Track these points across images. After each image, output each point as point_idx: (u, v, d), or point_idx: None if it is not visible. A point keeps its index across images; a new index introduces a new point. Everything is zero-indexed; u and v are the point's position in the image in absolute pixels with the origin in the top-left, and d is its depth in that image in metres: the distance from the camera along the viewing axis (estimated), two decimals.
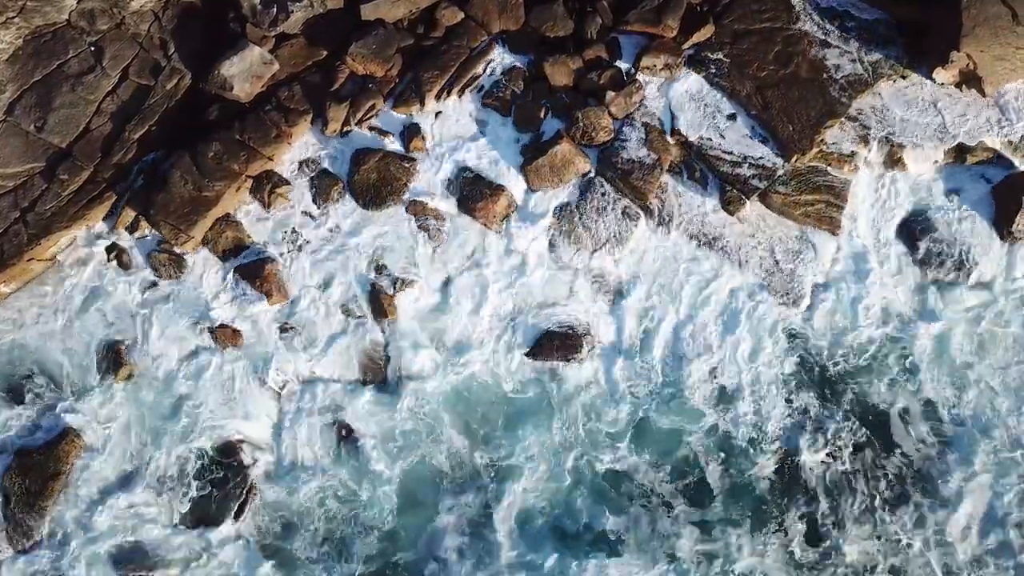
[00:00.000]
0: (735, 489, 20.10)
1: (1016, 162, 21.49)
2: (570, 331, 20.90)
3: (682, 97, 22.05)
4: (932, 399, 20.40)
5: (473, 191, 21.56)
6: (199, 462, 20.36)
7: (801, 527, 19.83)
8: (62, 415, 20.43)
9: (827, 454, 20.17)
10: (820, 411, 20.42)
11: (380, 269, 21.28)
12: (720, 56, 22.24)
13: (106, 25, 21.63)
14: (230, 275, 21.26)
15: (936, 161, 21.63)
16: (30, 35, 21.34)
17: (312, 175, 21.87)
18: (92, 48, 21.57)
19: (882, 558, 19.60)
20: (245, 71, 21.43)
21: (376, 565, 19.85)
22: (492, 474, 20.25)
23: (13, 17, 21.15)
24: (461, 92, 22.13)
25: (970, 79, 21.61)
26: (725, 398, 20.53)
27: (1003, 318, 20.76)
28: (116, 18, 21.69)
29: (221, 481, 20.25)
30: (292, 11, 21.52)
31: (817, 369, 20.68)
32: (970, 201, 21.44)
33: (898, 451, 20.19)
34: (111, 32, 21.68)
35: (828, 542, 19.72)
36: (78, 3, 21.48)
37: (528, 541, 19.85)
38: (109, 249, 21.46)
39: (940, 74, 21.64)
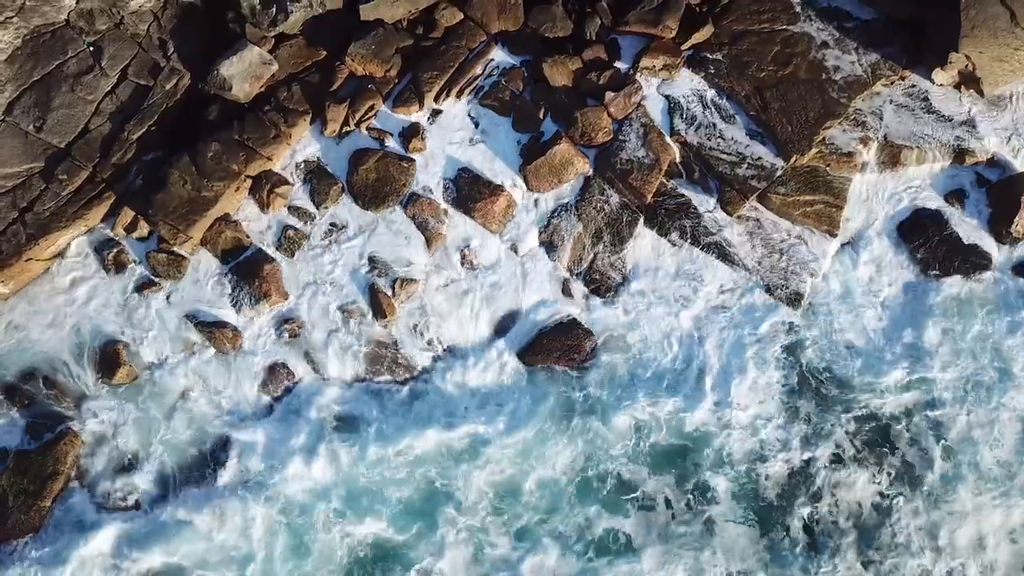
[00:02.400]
0: (735, 492, 20.18)
1: (1014, 163, 21.54)
2: (571, 333, 20.89)
3: (681, 98, 22.09)
4: (935, 397, 20.45)
5: (472, 191, 21.58)
6: (198, 461, 20.33)
7: (802, 531, 19.92)
8: (61, 415, 20.38)
9: (829, 456, 20.23)
10: (819, 413, 20.45)
11: (379, 269, 21.27)
12: (719, 57, 22.28)
13: (105, 25, 21.61)
14: (229, 275, 21.24)
15: (935, 162, 21.67)
16: (29, 35, 21.30)
17: (311, 175, 21.87)
18: (91, 48, 21.54)
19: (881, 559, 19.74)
20: (244, 71, 21.43)
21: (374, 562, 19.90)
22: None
23: (12, 17, 21.11)
24: (460, 93, 22.15)
25: (969, 80, 21.66)
26: (724, 401, 20.51)
27: (1001, 316, 20.84)
28: (115, 18, 21.67)
29: (218, 480, 20.24)
30: (291, 11, 21.53)
31: (815, 370, 20.72)
32: (968, 202, 21.51)
33: (898, 452, 20.24)
34: (110, 32, 21.66)
35: (830, 545, 19.81)
36: (77, 3, 21.46)
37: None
38: (108, 249, 21.41)
39: (939, 75, 21.70)
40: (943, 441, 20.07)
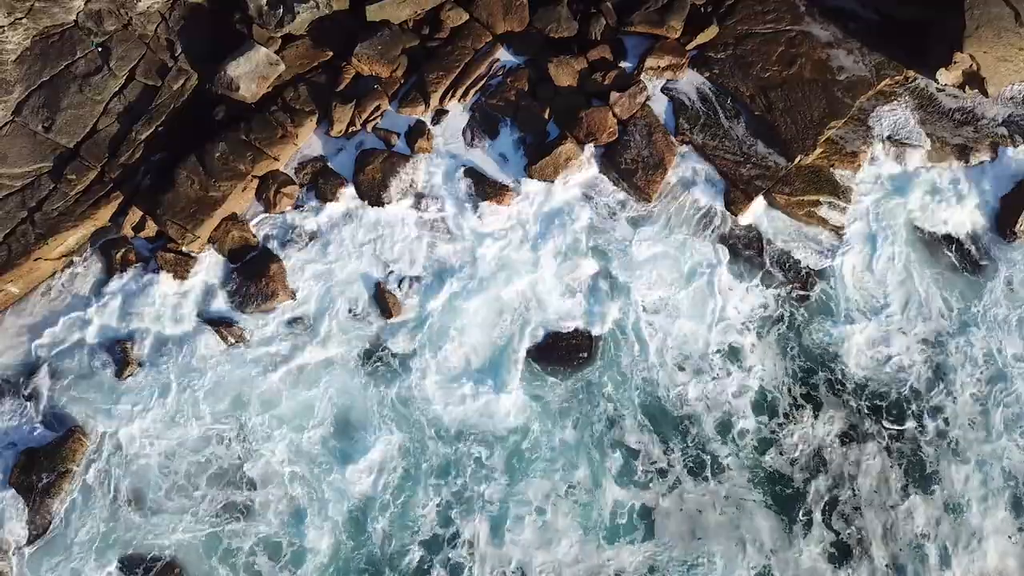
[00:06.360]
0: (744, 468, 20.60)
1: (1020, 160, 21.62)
2: (575, 332, 21.01)
3: (686, 98, 22.16)
4: (944, 392, 20.77)
5: (478, 191, 21.67)
6: (202, 460, 20.46)
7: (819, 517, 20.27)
8: (71, 413, 20.53)
9: (837, 438, 20.58)
10: (830, 399, 20.76)
11: (385, 268, 21.37)
12: (724, 57, 22.36)
13: (113, 26, 21.73)
14: (236, 274, 21.34)
15: (940, 161, 21.70)
16: (38, 36, 21.42)
17: (318, 175, 21.96)
18: (99, 49, 21.66)
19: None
20: (251, 72, 21.53)
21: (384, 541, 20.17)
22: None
23: (21, 18, 21.24)
24: (466, 93, 22.23)
25: (973, 80, 21.69)
26: (735, 392, 20.82)
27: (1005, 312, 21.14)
28: (123, 19, 21.78)
29: (223, 478, 20.38)
30: (298, 12, 21.63)
31: (818, 367, 20.90)
32: (974, 200, 21.56)
33: (907, 437, 20.55)
34: (118, 33, 21.77)
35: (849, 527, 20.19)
36: (86, 4, 21.58)
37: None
38: (115, 249, 21.51)
39: (943, 75, 21.72)
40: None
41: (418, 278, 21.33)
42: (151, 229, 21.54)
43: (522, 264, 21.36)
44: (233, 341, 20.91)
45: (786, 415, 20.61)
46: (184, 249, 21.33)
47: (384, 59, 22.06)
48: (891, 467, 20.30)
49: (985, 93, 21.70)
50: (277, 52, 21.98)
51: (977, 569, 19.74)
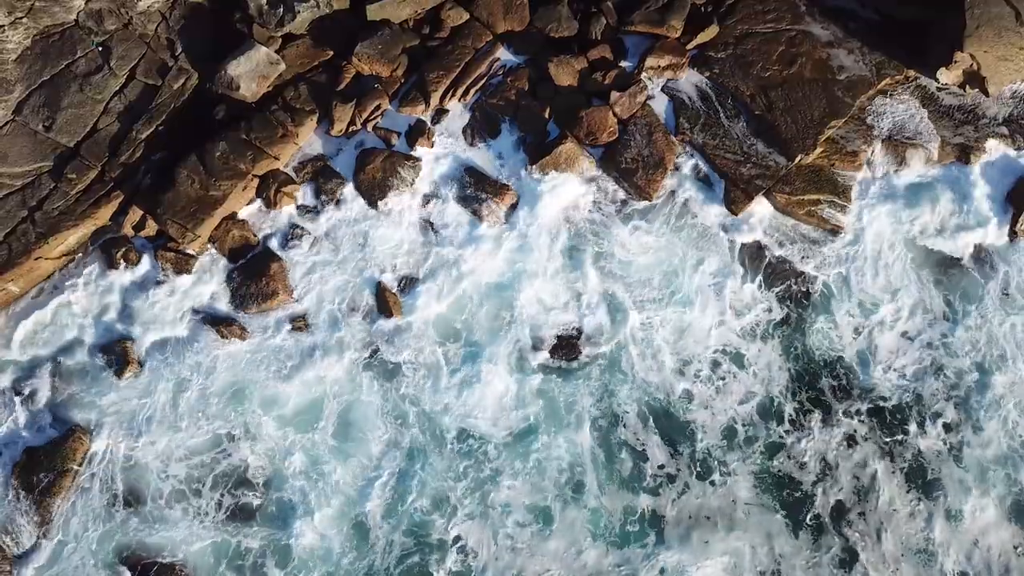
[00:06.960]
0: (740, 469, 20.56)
1: (1022, 160, 21.60)
2: (573, 331, 21.02)
3: (686, 97, 22.16)
4: (946, 395, 20.73)
5: (478, 190, 21.67)
6: (204, 461, 20.47)
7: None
8: (72, 412, 20.53)
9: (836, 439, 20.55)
10: (833, 402, 20.75)
11: (386, 268, 21.38)
12: (724, 56, 22.36)
13: (114, 25, 21.75)
14: (236, 273, 21.35)
15: (941, 160, 21.69)
16: (38, 35, 21.45)
17: (318, 174, 21.98)
18: (100, 48, 21.67)
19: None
20: (251, 71, 21.54)
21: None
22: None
23: (22, 17, 21.27)
24: (466, 92, 22.24)
25: (974, 79, 21.67)
26: (738, 395, 20.81)
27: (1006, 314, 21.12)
28: (124, 18, 21.80)
29: (225, 479, 20.39)
30: (298, 12, 21.64)
31: (820, 369, 20.89)
32: (975, 200, 21.53)
33: (909, 439, 20.50)
34: (119, 32, 21.79)
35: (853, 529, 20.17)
36: (86, 3, 21.60)
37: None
38: (116, 248, 21.52)
39: (944, 74, 21.69)
40: None
41: (419, 277, 21.35)
42: (151, 228, 21.55)
43: (522, 263, 21.31)
44: (233, 340, 20.91)
45: (791, 420, 20.53)
46: (184, 248, 21.35)
47: (384, 58, 22.07)
48: (894, 472, 20.21)
49: (986, 92, 21.69)
50: (277, 51, 21.99)
51: None
